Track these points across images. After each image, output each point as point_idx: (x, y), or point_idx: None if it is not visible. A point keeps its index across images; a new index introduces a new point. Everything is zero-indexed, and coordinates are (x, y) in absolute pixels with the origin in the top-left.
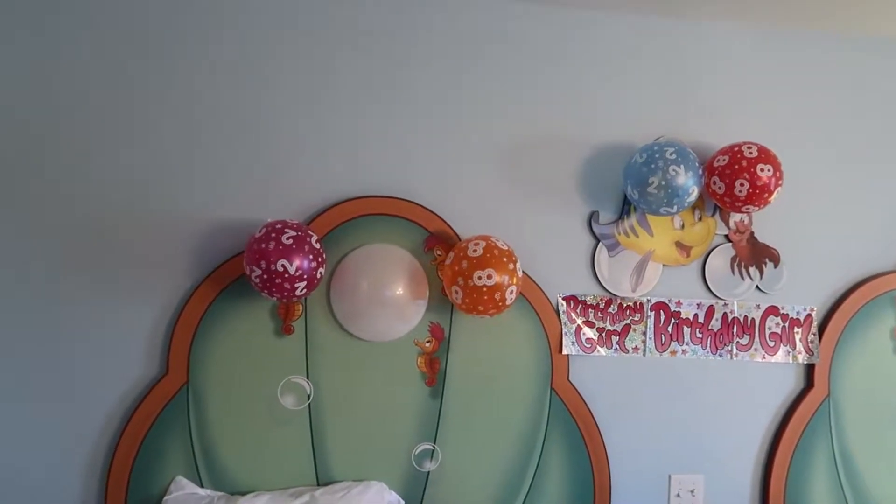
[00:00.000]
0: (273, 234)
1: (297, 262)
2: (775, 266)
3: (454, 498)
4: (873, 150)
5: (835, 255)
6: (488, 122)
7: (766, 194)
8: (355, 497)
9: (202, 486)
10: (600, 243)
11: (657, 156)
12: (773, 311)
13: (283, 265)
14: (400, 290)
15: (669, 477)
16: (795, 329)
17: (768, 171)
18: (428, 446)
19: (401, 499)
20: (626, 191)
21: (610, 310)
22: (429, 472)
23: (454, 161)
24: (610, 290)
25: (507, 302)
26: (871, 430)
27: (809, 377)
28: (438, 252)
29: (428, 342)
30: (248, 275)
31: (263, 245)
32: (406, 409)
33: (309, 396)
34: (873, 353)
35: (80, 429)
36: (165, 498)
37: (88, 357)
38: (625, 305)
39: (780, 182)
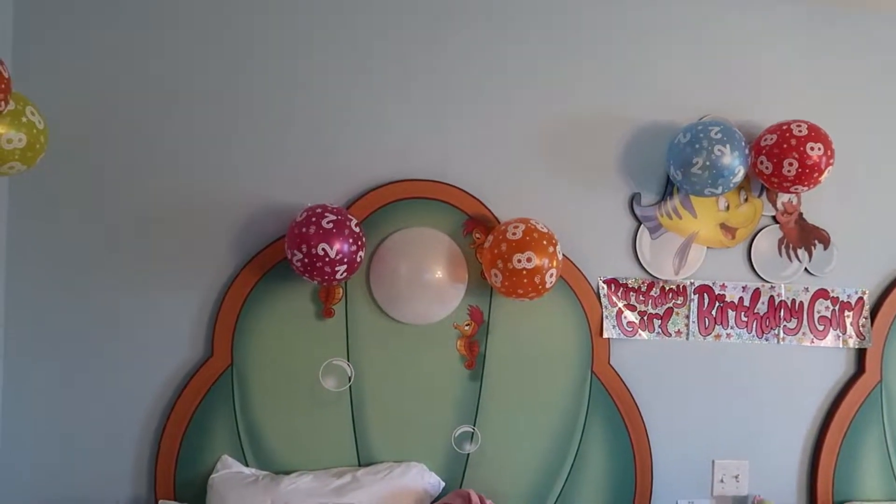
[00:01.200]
0: (313, 219)
1: (337, 246)
2: (825, 248)
3: (494, 480)
4: None
5: (887, 237)
6: (528, 103)
7: (816, 174)
8: (396, 478)
9: (247, 466)
10: (642, 225)
11: (701, 135)
12: (822, 294)
13: (323, 249)
14: (439, 274)
15: (713, 462)
16: (846, 313)
17: (819, 149)
18: (468, 429)
19: (441, 480)
20: (669, 172)
21: (652, 293)
22: (469, 455)
23: (493, 143)
24: (652, 272)
25: (547, 285)
26: None
27: (860, 362)
28: (477, 235)
29: (467, 325)
30: (289, 259)
31: (304, 229)
32: (446, 392)
33: (350, 378)
34: None
35: (129, 409)
36: (212, 476)
37: (137, 339)
38: (667, 288)
39: (830, 161)
